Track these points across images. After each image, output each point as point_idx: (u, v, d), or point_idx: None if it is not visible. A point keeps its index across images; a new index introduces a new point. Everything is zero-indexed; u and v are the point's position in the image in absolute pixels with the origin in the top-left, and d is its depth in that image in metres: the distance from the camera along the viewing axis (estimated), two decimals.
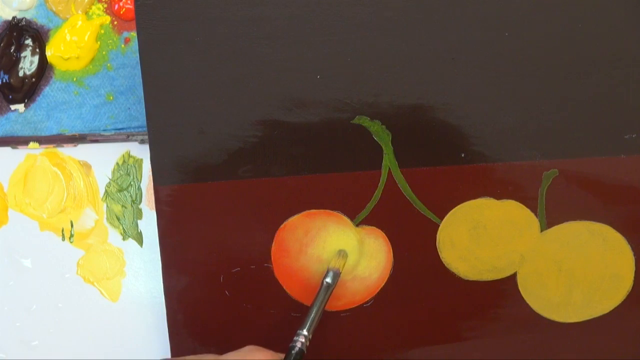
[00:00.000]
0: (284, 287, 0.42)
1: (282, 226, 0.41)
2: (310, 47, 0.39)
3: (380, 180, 0.41)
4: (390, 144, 0.41)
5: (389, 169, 0.41)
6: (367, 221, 0.41)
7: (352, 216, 0.41)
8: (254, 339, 0.42)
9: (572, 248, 0.42)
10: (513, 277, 0.43)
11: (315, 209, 0.41)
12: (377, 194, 0.41)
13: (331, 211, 0.41)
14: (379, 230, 0.42)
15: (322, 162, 0.41)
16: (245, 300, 0.42)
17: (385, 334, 0.43)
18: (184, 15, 0.39)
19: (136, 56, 0.45)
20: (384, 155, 0.41)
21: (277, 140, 0.40)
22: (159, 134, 0.40)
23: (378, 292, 0.42)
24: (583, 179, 0.42)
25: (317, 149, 0.40)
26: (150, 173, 0.46)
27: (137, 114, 0.45)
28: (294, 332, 0.41)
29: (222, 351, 0.41)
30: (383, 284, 0.42)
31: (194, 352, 0.42)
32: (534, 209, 0.42)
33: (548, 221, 0.42)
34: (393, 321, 0.43)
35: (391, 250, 0.42)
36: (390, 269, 0.42)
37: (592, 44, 0.40)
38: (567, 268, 0.43)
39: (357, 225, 0.41)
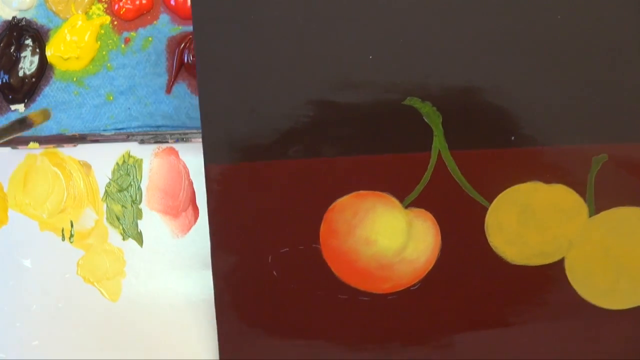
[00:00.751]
0: (332, 269, 0.42)
1: (331, 207, 0.41)
2: (362, 27, 0.39)
3: (430, 162, 0.41)
4: (440, 126, 0.40)
5: (439, 151, 0.41)
6: (416, 203, 0.41)
7: (401, 198, 0.41)
8: (301, 320, 0.42)
9: (620, 234, 0.42)
10: (560, 262, 0.42)
11: (364, 190, 0.41)
12: (427, 176, 0.41)
13: (380, 192, 0.41)
14: (428, 213, 0.41)
15: (372, 143, 0.40)
16: (293, 281, 0.42)
17: (432, 318, 0.43)
18: None
19: (136, 56, 0.45)
20: (434, 137, 0.41)
21: (328, 121, 0.40)
22: (211, 112, 0.40)
23: (425, 275, 0.42)
24: (633, 165, 0.41)
25: (367, 130, 0.40)
26: (150, 173, 0.46)
27: (137, 114, 0.46)
28: (341, 314, 0.41)
29: (268, 332, 0.42)
30: (431, 267, 0.42)
31: (240, 333, 0.42)
32: (582, 194, 0.42)
33: (597, 206, 0.42)
34: (440, 305, 0.42)
35: (439, 233, 0.42)
36: (438, 252, 0.42)
37: None
38: (615, 254, 0.42)
39: (406, 207, 0.41)
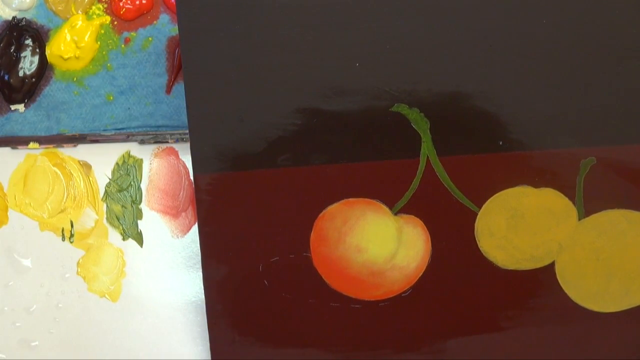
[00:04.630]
0: (323, 277, 0.42)
1: (321, 215, 0.41)
2: (349, 34, 0.40)
3: (419, 169, 0.41)
4: (428, 132, 0.41)
5: (427, 157, 0.41)
6: (406, 210, 0.41)
7: (390, 205, 0.41)
8: (293, 328, 0.42)
9: (610, 237, 0.42)
10: (551, 266, 0.42)
11: (354, 197, 0.41)
12: (416, 182, 0.41)
13: (370, 199, 0.41)
14: (418, 219, 0.42)
15: (360, 150, 0.41)
16: (284, 290, 0.42)
17: (424, 324, 0.43)
18: (224, 4, 0.39)
19: (136, 56, 0.46)
20: (422, 143, 0.41)
21: (316, 129, 0.40)
22: (199, 122, 0.40)
23: (416, 282, 0.42)
24: (621, 167, 0.42)
25: (355, 137, 0.40)
26: (150, 173, 0.46)
27: (137, 114, 0.46)
28: (333, 321, 0.41)
29: (260, 341, 0.41)
30: (421, 273, 0.42)
31: (233, 343, 0.42)
32: (571, 198, 0.42)
33: (586, 209, 0.42)
34: (431, 311, 0.42)
35: (429, 239, 0.42)
36: (429, 258, 0.42)
37: (631, 31, 0.40)
38: (605, 257, 0.43)
39: (395, 214, 0.41)
